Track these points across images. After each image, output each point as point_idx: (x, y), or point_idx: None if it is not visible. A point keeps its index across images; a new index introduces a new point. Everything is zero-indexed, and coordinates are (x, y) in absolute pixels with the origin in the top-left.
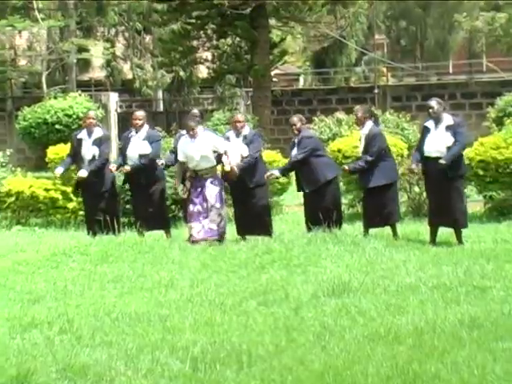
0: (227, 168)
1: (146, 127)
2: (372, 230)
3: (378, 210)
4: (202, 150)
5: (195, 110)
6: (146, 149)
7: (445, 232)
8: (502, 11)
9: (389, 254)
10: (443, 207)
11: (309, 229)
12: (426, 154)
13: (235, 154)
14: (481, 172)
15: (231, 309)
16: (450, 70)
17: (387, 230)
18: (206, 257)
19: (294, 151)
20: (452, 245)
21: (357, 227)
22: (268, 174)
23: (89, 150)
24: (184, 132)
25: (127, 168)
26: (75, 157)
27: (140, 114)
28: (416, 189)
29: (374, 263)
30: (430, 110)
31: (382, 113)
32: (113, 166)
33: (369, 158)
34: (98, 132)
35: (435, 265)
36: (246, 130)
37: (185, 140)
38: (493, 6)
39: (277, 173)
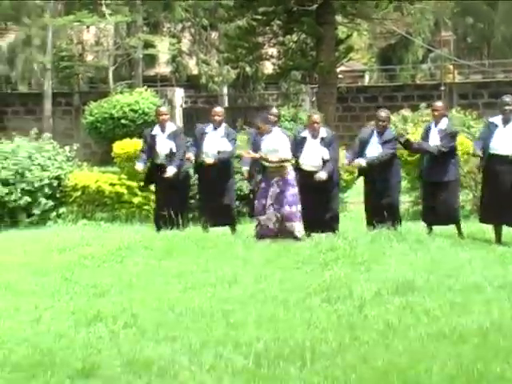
0: (323, 176)
1: (224, 124)
2: (436, 228)
3: (445, 207)
4: (272, 145)
5: (274, 110)
6: (226, 146)
7: (511, 231)
8: None
9: (454, 252)
10: (504, 205)
11: (372, 226)
12: (494, 151)
13: (314, 156)
14: None
15: (294, 305)
16: None
17: (451, 228)
18: (270, 253)
19: (376, 147)
20: None
21: (421, 225)
22: (356, 162)
23: (165, 145)
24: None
25: (210, 160)
26: (149, 152)
27: (219, 109)
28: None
29: (439, 262)
30: (507, 107)
31: (448, 110)
32: (190, 156)
33: (443, 149)
34: (171, 127)
35: (501, 264)
36: (324, 132)
37: (260, 138)
38: None
39: (363, 163)
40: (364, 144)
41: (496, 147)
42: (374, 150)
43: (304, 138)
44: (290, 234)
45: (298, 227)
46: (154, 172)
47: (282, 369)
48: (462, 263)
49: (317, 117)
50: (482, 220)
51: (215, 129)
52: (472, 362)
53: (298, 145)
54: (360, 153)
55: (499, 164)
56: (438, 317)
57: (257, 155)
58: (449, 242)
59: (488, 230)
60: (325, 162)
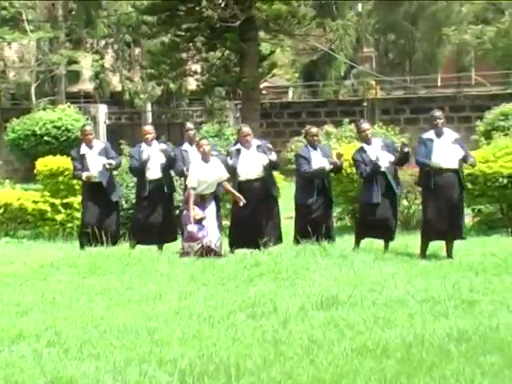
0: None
1: (155, 141)
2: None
3: (389, 222)
4: (215, 176)
5: (189, 124)
6: (163, 159)
7: (434, 245)
8: (491, 24)
9: (377, 267)
10: (450, 220)
11: (297, 242)
12: (435, 165)
13: (253, 164)
14: (469, 185)
15: (219, 322)
16: (439, 84)
17: (376, 243)
18: (195, 269)
19: (319, 160)
20: (440, 258)
21: (346, 240)
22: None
23: (97, 161)
24: (185, 147)
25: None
26: (82, 171)
27: (150, 128)
28: (405, 202)
29: (363, 276)
30: (438, 121)
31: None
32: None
33: (397, 156)
34: (98, 144)
35: (424, 278)
36: (256, 141)
37: (198, 163)
38: (482, 19)
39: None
40: (308, 160)
41: (440, 161)
42: (320, 163)
43: (238, 150)
44: (212, 251)
45: (219, 250)
46: (87, 190)
47: None
48: (385, 278)
49: (247, 129)
50: (430, 238)
51: (149, 146)
52: (395, 376)
53: (233, 158)
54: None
55: (444, 178)
56: (362, 331)
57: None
58: (372, 256)
59: (411, 244)
60: (265, 167)
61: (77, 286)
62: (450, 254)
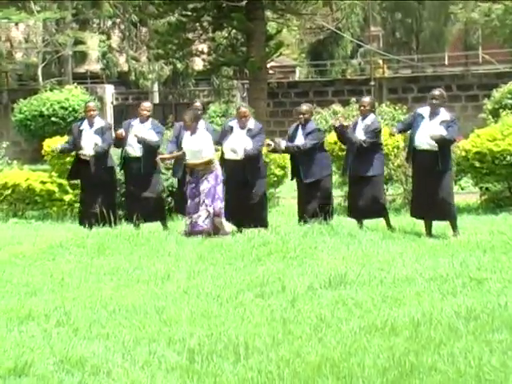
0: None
1: (151, 119)
2: (368, 222)
3: (372, 201)
4: (195, 146)
5: (198, 103)
6: (153, 136)
7: (441, 225)
8: (499, 2)
9: (385, 246)
10: (430, 200)
11: (303, 221)
12: (417, 145)
13: (238, 146)
14: (477, 164)
15: (228, 301)
16: (446, 62)
17: (382, 221)
18: (203, 249)
19: (300, 139)
20: (448, 237)
21: (353, 219)
22: (270, 141)
23: (90, 140)
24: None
25: (133, 151)
26: (73, 145)
27: (148, 104)
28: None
29: (371, 255)
30: (434, 100)
31: (378, 105)
32: (120, 132)
33: (364, 144)
34: (99, 122)
35: (432, 257)
36: (251, 123)
37: (184, 133)
38: None
39: (283, 144)
40: (291, 139)
41: (420, 141)
42: (299, 142)
43: (231, 128)
44: (219, 231)
45: (225, 223)
46: (79, 168)
47: (216, 364)
48: (393, 256)
49: (245, 110)
50: (412, 215)
51: (142, 122)
52: (404, 354)
53: (224, 133)
54: None
55: (423, 159)
56: (370, 310)
57: (173, 155)
58: (380, 235)
59: (418, 223)
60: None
61: (85, 266)
62: (428, 233)
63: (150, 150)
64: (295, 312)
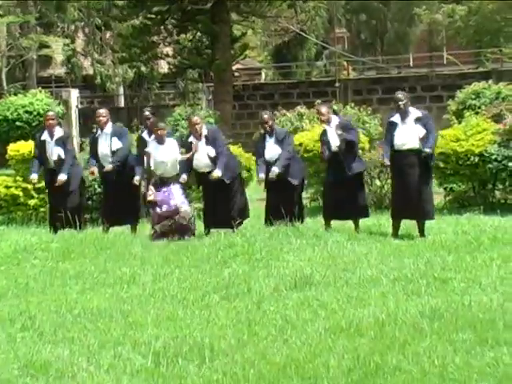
0: (217, 174)
1: (110, 123)
2: (333, 224)
3: (354, 201)
4: (171, 156)
5: (147, 112)
6: (117, 144)
7: (406, 224)
8: (462, 3)
9: (351, 247)
10: (414, 200)
11: (270, 223)
12: (397, 147)
13: (202, 157)
14: (441, 164)
15: (193, 303)
16: (411, 63)
17: (348, 223)
18: (168, 252)
19: (272, 147)
20: (413, 237)
21: (319, 221)
22: (270, 174)
23: (53, 151)
24: (144, 135)
25: (109, 167)
26: (41, 158)
27: (103, 111)
28: (377, 182)
29: (336, 256)
30: (400, 103)
31: (343, 106)
32: (92, 170)
33: (348, 137)
34: (58, 132)
35: (397, 257)
36: (205, 130)
37: (153, 145)
38: None
39: (277, 170)
40: (262, 149)
41: (400, 143)
42: (273, 150)
43: (191, 143)
44: (184, 233)
45: (192, 226)
46: (47, 176)
47: (181, 367)
48: (358, 257)
49: (195, 118)
50: (396, 217)
51: (102, 130)
52: (368, 355)
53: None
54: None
55: (405, 159)
56: (335, 310)
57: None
58: (346, 236)
59: (384, 223)
60: (214, 159)
61: (50, 270)
62: (422, 233)
63: (122, 158)
64: (261, 314)
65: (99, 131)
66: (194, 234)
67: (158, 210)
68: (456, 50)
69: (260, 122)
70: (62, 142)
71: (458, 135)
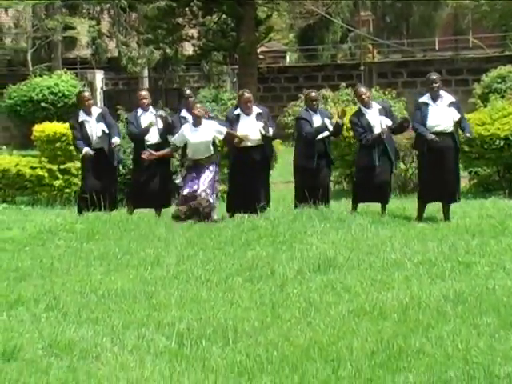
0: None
1: (151, 107)
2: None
3: (385, 185)
4: (205, 138)
5: (188, 91)
6: (160, 124)
7: (430, 208)
8: None
9: (374, 230)
10: (445, 182)
11: (296, 206)
12: (429, 128)
13: (253, 131)
14: (466, 148)
15: (217, 285)
16: (436, 47)
17: (373, 206)
18: (192, 234)
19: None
20: (437, 221)
21: (343, 204)
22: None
23: (96, 128)
24: (183, 114)
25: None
26: (82, 139)
27: (145, 92)
28: (402, 165)
29: (360, 239)
30: (434, 85)
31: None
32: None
33: (391, 124)
34: (96, 110)
35: (421, 241)
36: (256, 108)
37: (188, 128)
38: None
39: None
40: (310, 123)
41: (435, 124)
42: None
43: (238, 116)
44: (207, 218)
45: (214, 211)
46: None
47: (205, 348)
48: (382, 240)
49: (249, 95)
50: (426, 201)
51: (145, 111)
52: (392, 338)
53: (232, 123)
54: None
55: (440, 141)
56: (359, 294)
57: (161, 153)
58: (370, 220)
59: (408, 207)
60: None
61: (75, 251)
62: (447, 217)
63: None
64: (284, 296)
65: (140, 111)
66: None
67: (185, 191)
68: (482, 34)
69: (308, 97)
70: (103, 117)
71: (484, 119)
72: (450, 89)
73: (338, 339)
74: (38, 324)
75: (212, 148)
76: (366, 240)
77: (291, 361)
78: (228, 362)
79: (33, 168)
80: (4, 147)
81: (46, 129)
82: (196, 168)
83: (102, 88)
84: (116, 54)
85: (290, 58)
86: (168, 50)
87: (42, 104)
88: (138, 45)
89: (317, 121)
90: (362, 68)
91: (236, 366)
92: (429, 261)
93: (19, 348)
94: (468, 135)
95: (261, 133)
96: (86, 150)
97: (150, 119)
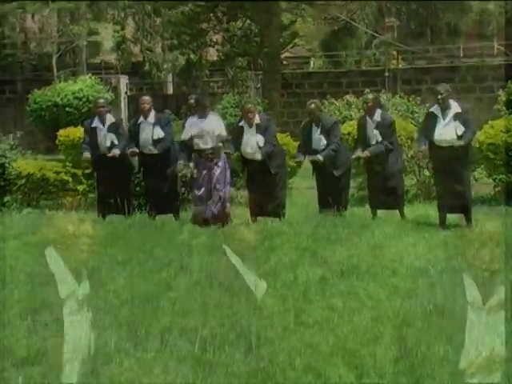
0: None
1: (153, 112)
2: (380, 213)
3: (391, 193)
4: (210, 127)
5: (191, 100)
6: (159, 133)
7: (454, 215)
8: None
9: (398, 237)
10: (452, 194)
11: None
12: (437, 143)
13: (251, 144)
14: (491, 155)
15: (240, 291)
16: (461, 54)
17: (395, 213)
18: (215, 239)
19: (320, 138)
20: (461, 228)
21: (366, 210)
22: (313, 157)
23: (106, 138)
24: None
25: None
26: (90, 144)
27: (147, 98)
28: (426, 172)
29: (383, 246)
30: (439, 96)
31: (392, 96)
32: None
33: (390, 146)
34: (110, 118)
35: (444, 248)
36: (257, 118)
37: (193, 119)
38: None
39: (321, 158)
40: (307, 136)
41: (439, 139)
42: (317, 140)
43: (242, 128)
44: (228, 218)
45: (222, 214)
46: (97, 163)
47: (228, 354)
48: (405, 247)
49: (250, 106)
50: (441, 209)
51: (146, 118)
52: (415, 345)
53: (236, 135)
54: (307, 147)
55: (444, 154)
56: (382, 300)
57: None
58: (393, 226)
59: (431, 214)
60: (262, 148)
61: (98, 255)
62: (469, 224)
63: (163, 148)
64: (307, 302)
65: (141, 118)
66: (226, 223)
67: (195, 191)
68: (507, 41)
69: (306, 110)
70: (115, 128)
71: (509, 126)
72: (474, 95)
73: (361, 346)
74: (61, 328)
75: (217, 140)
76: (389, 247)
77: (314, 368)
78: (251, 368)
79: (57, 173)
80: (29, 152)
81: (70, 133)
82: (204, 164)
83: (126, 93)
84: (140, 59)
85: (314, 64)
86: (192, 56)
87: (67, 109)
88: (163, 50)
89: (315, 135)
90: (386, 74)
91: (259, 372)
92: (452, 268)
93: (43, 352)
94: (459, 143)
95: (258, 145)
96: (85, 155)
97: (148, 130)
